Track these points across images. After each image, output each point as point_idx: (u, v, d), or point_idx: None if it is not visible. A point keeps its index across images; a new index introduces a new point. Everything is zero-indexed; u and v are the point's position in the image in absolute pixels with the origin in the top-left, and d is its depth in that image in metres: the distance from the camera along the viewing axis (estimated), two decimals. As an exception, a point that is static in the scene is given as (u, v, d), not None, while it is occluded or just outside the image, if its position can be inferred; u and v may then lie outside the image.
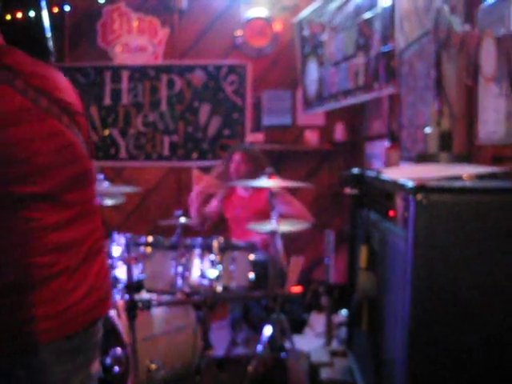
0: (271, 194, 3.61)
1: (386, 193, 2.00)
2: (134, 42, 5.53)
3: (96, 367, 1.62)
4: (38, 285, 1.42)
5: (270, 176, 3.61)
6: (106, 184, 3.67)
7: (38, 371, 1.43)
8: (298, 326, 4.20)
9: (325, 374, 2.79)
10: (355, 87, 4.15)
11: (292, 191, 4.43)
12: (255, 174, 3.94)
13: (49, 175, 1.43)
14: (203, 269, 3.44)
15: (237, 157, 4.32)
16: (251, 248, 3.57)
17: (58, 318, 1.45)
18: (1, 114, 1.36)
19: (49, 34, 4.50)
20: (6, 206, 1.38)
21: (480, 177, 1.84)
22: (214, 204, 4.53)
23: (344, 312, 3.57)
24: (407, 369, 1.65)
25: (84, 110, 1.61)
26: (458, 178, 1.82)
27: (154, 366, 3.20)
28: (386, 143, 3.74)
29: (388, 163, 3.75)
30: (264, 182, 3.61)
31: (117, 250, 3.49)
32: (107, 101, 5.52)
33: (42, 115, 1.43)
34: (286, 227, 3.63)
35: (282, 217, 3.68)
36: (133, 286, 3.10)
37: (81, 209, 1.52)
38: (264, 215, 3.83)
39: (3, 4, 5.00)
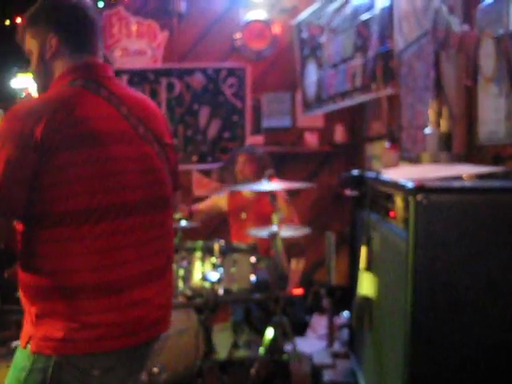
0: (272, 196, 3.62)
1: (386, 194, 2.00)
2: (133, 45, 5.53)
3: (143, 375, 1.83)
4: (125, 289, 1.62)
5: (270, 178, 3.61)
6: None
7: (108, 372, 1.62)
8: (300, 329, 4.19)
9: (327, 376, 2.79)
10: (352, 88, 4.15)
11: (293, 192, 4.43)
12: (260, 175, 3.94)
13: (136, 192, 1.66)
14: (204, 271, 3.44)
15: (241, 159, 4.33)
16: (252, 250, 3.57)
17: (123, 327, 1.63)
18: (108, 132, 1.61)
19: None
20: (92, 218, 1.57)
21: (480, 177, 1.84)
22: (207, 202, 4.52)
23: (346, 314, 3.56)
24: (408, 370, 1.65)
25: (173, 144, 1.87)
26: (458, 178, 1.82)
27: (156, 370, 3.20)
28: (386, 144, 3.73)
29: (388, 164, 3.75)
30: (264, 185, 3.61)
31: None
32: (107, 105, 5.52)
33: (139, 140, 1.68)
34: (286, 232, 3.64)
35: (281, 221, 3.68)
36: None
37: (157, 230, 1.72)
38: (267, 218, 3.84)
39: (2, 9, 5.00)
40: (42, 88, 1.75)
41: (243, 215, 4.29)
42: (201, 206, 4.50)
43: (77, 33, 1.73)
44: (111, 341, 1.60)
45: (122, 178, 1.62)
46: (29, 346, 1.60)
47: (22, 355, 1.62)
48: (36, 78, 1.78)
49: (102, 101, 1.65)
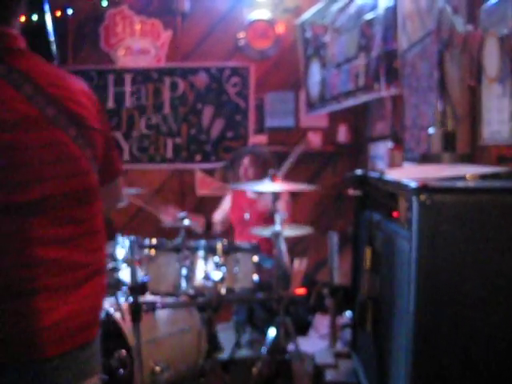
0: (274, 196, 3.62)
1: (389, 194, 2.00)
2: (137, 44, 5.54)
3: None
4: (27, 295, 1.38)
5: (273, 178, 3.61)
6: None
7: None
8: (303, 328, 4.19)
9: (329, 375, 2.78)
10: (355, 88, 4.15)
11: (296, 193, 4.43)
12: (263, 176, 3.95)
13: (47, 185, 1.41)
14: (207, 271, 3.44)
15: (246, 160, 4.33)
16: (255, 250, 3.57)
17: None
18: (4, 120, 1.36)
19: (52, 38, 4.50)
20: (4, 213, 1.36)
21: (483, 177, 1.84)
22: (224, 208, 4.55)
23: (348, 313, 3.56)
24: (411, 370, 1.65)
25: (105, 129, 1.61)
26: (462, 178, 1.82)
27: (158, 369, 3.20)
28: (390, 144, 3.73)
29: (391, 164, 3.75)
30: (267, 186, 3.61)
31: (121, 252, 3.50)
32: (110, 104, 5.53)
33: (45, 124, 1.41)
34: (289, 231, 3.64)
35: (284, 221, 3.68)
36: (137, 289, 3.10)
37: (81, 227, 1.49)
38: (270, 219, 3.84)
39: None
40: None
41: (246, 215, 4.29)
42: (218, 217, 4.52)
43: None
44: None
45: (19, 170, 1.38)
46: None
47: None
48: None
49: None
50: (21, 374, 1.38)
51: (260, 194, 4.28)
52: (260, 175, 4.15)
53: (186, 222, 3.74)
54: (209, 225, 4.44)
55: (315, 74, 4.88)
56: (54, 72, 1.52)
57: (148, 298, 3.40)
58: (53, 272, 1.42)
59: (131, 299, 3.06)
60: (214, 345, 3.48)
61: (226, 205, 4.59)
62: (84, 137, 1.49)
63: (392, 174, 2.10)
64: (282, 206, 4.08)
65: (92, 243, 1.52)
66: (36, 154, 1.39)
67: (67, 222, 1.45)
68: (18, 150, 1.37)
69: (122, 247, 3.50)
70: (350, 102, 4.31)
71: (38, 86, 1.42)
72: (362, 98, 4.13)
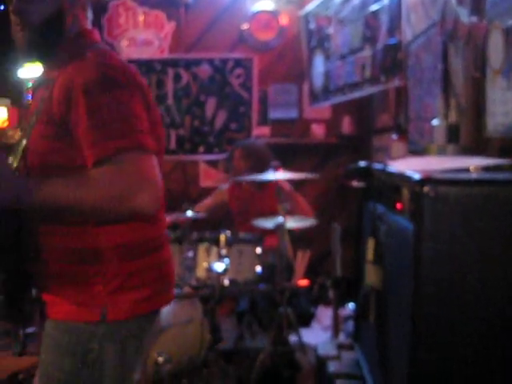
0: (278, 188, 3.61)
1: (392, 185, 1.99)
2: (140, 36, 5.52)
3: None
4: None
5: (276, 169, 3.60)
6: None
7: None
8: (305, 320, 4.20)
9: (332, 367, 2.79)
10: (362, 80, 4.13)
11: (299, 184, 4.43)
12: (256, 170, 3.94)
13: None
14: (210, 262, 3.44)
15: (237, 154, 4.32)
16: (258, 241, 3.57)
17: None
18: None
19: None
20: None
21: (487, 169, 1.83)
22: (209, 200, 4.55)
23: (351, 305, 3.56)
24: (413, 361, 1.65)
25: None
26: (465, 170, 1.81)
27: (161, 359, 3.20)
28: (393, 136, 3.73)
29: (395, 156, 3.74)
30: (270, 176, 3.61)
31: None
32: (114, 95, 5.52)
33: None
34: (292, 223, 3.64)
35: (287, 212, 3.68)
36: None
37: None
38: (270, 212, 3.84)
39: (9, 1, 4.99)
40: None
41: (245, 208, 4.29)
42: (205, 202, 4.51)
43: None
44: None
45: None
46: (104, 316, 1.55)
47: (85, 330, 1.55)
48: None
49: None
50: None
51: (261, 185, 4.26)
52: (251, 168, 4.11)
53: (190, 213, 3.74)
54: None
55: (319, 65, 4.86)
56: None
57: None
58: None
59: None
60: (216, 336, 3.49)
61: (208, 200, 4.56)
62: None
63: (395, 166, 2.10)
64: (298, 206, 4.10)
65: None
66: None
67: None
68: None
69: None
70: (356, 94, 4.29)
71: None
72: (369, 90, 4.11)
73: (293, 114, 5.49)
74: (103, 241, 1.57)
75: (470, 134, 2.61)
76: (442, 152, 2.50)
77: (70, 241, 1.57)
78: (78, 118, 1.49)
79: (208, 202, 4.52)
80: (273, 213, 3.71)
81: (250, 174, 3.95)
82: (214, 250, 3.46)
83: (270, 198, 4.12)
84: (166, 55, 5.51)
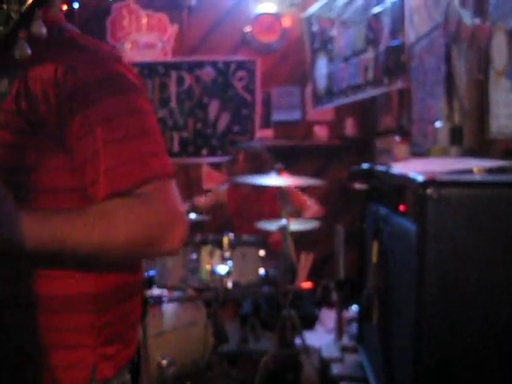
0: (282, 190, 3.61)
1: (396, 187, 1.99)
2: (143, 38, 5.53)
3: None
4: None
5: (279, 172, 3.60)
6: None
7: None
8: (309, 322, 4.20)
9: (335, 369, 2.79)
10: (365, 82, 4.13)
11: (302, 186, 4.42)
12: (256, 172, 3.95)
13: None
14: (213, 265, 3.44)
15: (240, 157, 4.34)
16: (261, 244, 3.57)
17: None
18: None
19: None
20: None
21: (490, 171, 1.83)
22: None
23: (354, 307, 3.56)
24: (416, 363, 1.65)
25: None
26: (469, 171, 1.81)
27: (165, 362, 3.20)
28: (397, 138, 3.73)
29: (398, 158, 3.74)
30: (272, 180, 3.61)
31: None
32: (117, 98, 5.53)
33: None
34: (295, 226, 3.64)
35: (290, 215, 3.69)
36: (144, 282, 3.10)
37: None
38: (267, 215, 3.86)
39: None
40: None
41: (243, 210, 4.29)
42: (204, 200, 4.52)
43: None
44: None
45: None
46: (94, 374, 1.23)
47: None
48: None
49: None
50: None
51: (261, 188, 4.26)
52: (252, 171, 4.13)
53: (193, 215, 3.74)
54: (195, 208, 4.35)
55: (322, 67, 4.87)
56: None
57: (155, 291, 3.40)
58: None
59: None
60: (220, 339, 3.49)
61: (205, 200, 4.57)
62: None
63: (399, 168, 2.10)
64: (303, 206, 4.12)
65: None
66: None
67: None
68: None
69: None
70: (359, 96, 4.29)
71: None
72: (372, 92, 4.12)
73: (296, 116, 5.50)
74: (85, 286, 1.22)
75: (473, 135, 2.61)
76: (445, 154, 2.50)
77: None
78: (85, 130, 1.13)
79: (204, 201, 4.53)
80: (272, 215, 3.73)
81: (250, 175, 3.95)
82: (218, 252, 3.46)
83: (269, 201, 4.14)
84: (168, 58, 5.52)
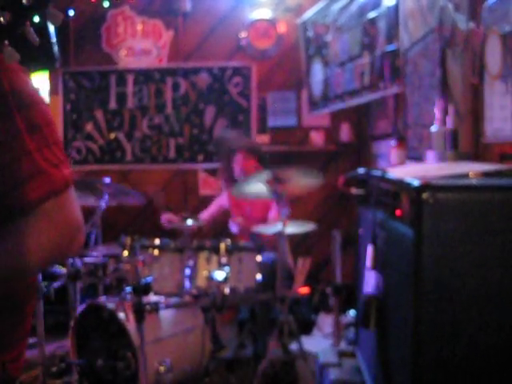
0: (280, 194, 3.61)
1: (392, 192, 1.99)
2: (139, 45, 5.54)
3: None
4: None
5: (280, 182, 3.55)
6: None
7: None
8: (306, 327, 4.19)
9: (333, 374, 2.78)
10: (361, 87, 4.14)
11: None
12: (261, 165, 4.00)
13: None
14: (210, 271, 3.44)
15: (240, 156, 4.30)
16: (258, 249, 3.57)
17: None
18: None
19: (54, 39, 4.51)
20: None
21: (486, 175, 1.83)
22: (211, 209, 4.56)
23: (352, 312, 3.56)
24: (414, 368, 1.64)
25: None
26: (464, 176, 1.81)
27: (162, 368, 3.20)
28: (392, 142, 3.73)
29: (394, 162, 3.74)
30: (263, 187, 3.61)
31: (124, 252, 3.50)
32: (112, 104, 5.54)
33: None
34: (292, 229, 3.63)
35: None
36: (141, 289, 3.10)
37: None
38: (259, 221, 3.88)
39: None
40: None
41: (238, 219, 4.28)
42: (207, 213, 4.52)
43: None
44: None
45: None
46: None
47: None
48: None
49: None
50: None
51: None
52: (257, 167, 4.13)
53: (190, 222, 3.74)
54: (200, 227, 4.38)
55: (317, 73, 4.88)
56: None
57: (152, 298, 3.40)
58: None
59: (135, 299, 3.06)
60: (217, 344, 3.48)
61: (212, 207, 4.59)
62: None
63: (394, 173, 2.10)
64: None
65: None
66: None
67: None
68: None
69: (125, 247, 3.50)
70: (355, 101, 4.30)
71: None
72: (368, 97, 4.12)
73: (292, 121, 5.50)
74: None
75: (468, 139, 2.61)
76: (440, 158, 2.50)
77: None
78: (12, 135, 1.12)
79: (210, 209, 4.55)
80: (262, 221, 3.77)
81: (257, 172, 3.93)
82: (215, 258, 3.46)
83: (260, 212, 4.15)
84: (164, 64, 5.53)
